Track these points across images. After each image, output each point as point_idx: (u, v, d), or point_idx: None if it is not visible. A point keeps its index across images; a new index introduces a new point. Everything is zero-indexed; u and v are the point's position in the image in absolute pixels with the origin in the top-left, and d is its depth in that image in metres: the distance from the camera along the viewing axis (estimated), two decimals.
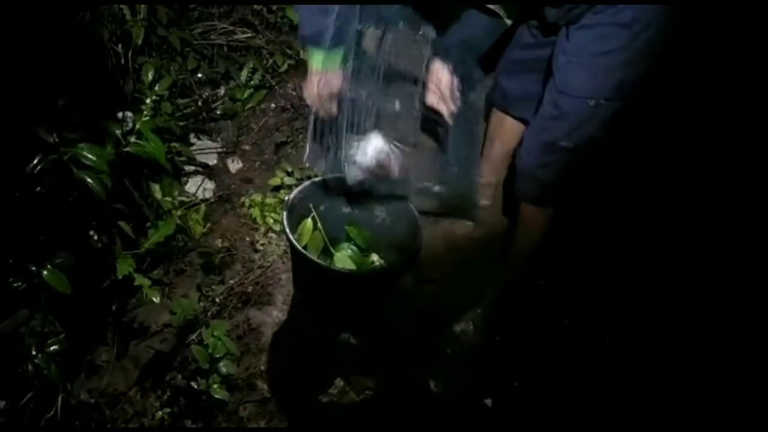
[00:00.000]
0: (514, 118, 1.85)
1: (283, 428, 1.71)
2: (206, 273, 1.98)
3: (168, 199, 1.86)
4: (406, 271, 1.82)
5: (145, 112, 1.65)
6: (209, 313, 1.87)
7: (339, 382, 1.79)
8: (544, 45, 1.60)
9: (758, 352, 1.86)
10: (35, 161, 1.29)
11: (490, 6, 1.55)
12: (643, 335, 1.95)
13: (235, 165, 2.38)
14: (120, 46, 2.09)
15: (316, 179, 1.80)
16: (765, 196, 2.11)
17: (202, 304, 1.88)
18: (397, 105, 1.78)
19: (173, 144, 2.13)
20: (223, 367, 1.66)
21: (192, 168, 2.28)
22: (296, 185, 1.92)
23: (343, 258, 1.77)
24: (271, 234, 2.14)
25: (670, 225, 2.18)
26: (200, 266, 1.99)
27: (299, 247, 1.64)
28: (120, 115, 1.85)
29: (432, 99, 1.61)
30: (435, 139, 1.80)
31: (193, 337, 1.79)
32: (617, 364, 1.89)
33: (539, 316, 2.00)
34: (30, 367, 1.42)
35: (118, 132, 1.53)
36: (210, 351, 1.65)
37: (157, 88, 1.92)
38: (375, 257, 1.85)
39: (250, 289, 1.97)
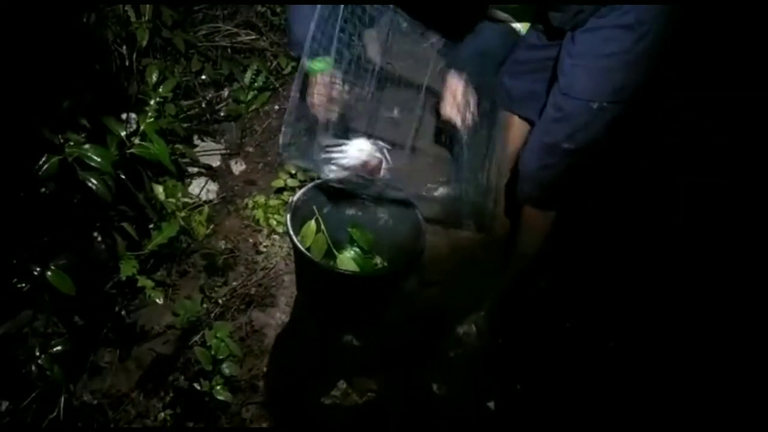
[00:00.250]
0: (520, 117, 1.85)
1: (286, 430, 1.71)
2: (209, 274, 1.98)
3: (171, 200, 1.87)
4: (409, 274, 1.82)
5: (149, 114, 1.66)
6: (212, 315, 1.87)
7: (342, 384, 1.78)
8: (549, 47, 1.61)
9: (759, 354, 1.86)
10: (40, 162, 1.29)
11: (502, 17, 1.56)
12: (646, 338, 1.95)
13: (238, 167, 2.38)
14: (124, 47, 2.09)
15: (320, 181, 1.80)
16: (765, 197, 2.10)
17: (205, 305, 1.88)
18: (395, 111, 1.79)
19: (177, 145, 2.13)
20: (226, 368, 1.66)
21: (195, 169, 2.29)
22: (299, 187, 1.92)
23: (347, 260, 1.77)
24: (274, 236, 2.14)
25: (671, 226, 2.18)
26: (203, 268, 1.99)
27: (303, 249, 1.64)
28: (124, 116, 1.85)
29: (447, 109, 1.62)
30: (450, 148, 1.80)
31: (196, 338, 1.79)
32: (620, 367, 1.88)
33: (542, 319, 1.99)
34: (33, 368, 1.42)
35: (122, 133, 1.53)
36: (213, 352, 1.65)
37: (161, 89, 1.92)
38: (378, 259, 1.86)
39: (253, 290, 1.97)
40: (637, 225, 2.19)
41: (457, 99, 1.60)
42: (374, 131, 1.76)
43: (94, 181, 1.36)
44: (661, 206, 2.22)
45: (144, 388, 1.70)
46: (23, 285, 1.42)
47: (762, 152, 2.16)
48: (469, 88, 1.59)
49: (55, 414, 1.54)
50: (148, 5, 2.13)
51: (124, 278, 1.63)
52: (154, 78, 1.95)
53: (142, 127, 1.60)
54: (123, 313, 1.79)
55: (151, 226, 1.80)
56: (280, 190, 2.22)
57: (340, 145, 1.67)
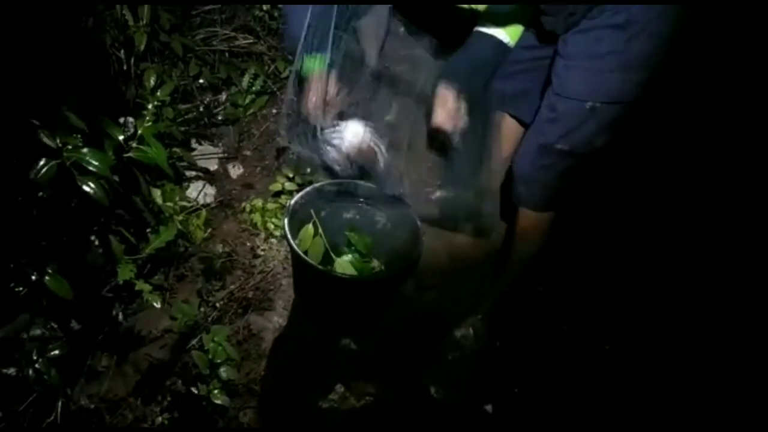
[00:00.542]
0: (513, 119, 1.86)
1: None
2: (207, 278, 1.98)
3: (169, 204, 1.87)
4: (406, 277, 1.82)
5: (147, 118, 1.65)
6: (210, 319, 1.87)
7: (339, 388, 1.78)
8: (541, 47, 1.62)
9: (758, 355, 1.86)
10: (38, 166, 1.29)
11: (492, 29, 1.57)
12: (643, 341, 1.95)
13: (236, 170, 2.38)
14: (122, 51, 2.09)
15: (318, 185, 1.80)
16: (765, 198, 2.11)
17: (202, 309, 1.88)
18: (391, 113, 1.80)
19: (175, 149, 2.13)
20: (224, 372, 1.65)
21: (193, 173, 2.29)
22: (297, 191, 1.92)
23: (344, 264, 1.77)
24: (271, 239, 2.14)
25: (670, 228, 2.18)
26: (201, 271, 1.99)
27: (300, 253, 1.64)
28: (122, 120, 1.86)
29: (439, 118, 1.64)
30: (444, 154, 1.81)
31: (194, 342, 1.79)
32: (617, 370, 1.89)
33: (539, 322, 2.00)
34: (30, 372, 1.42)
35: (120, 137, 1.53)
36: (210, 356, 1.65)
37: (159, 93, 1.93)
38: (376, 263, 1.85)
39: (250, 294, 1.97)
40: (635, 227, 2.20)
41: (447, 107, 1.61)
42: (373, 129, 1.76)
43: (92, 185, 1.35)
44: (660, 208, 2.22)
45: (141, 392, 1.70)
46: (20, 289, 1.41)
47: (762, 153, 2.17)
48: (459, 97, 1.61)
49: (52, 418, 1.53)
50: (146, 9, 2.13)
51: (121, 282, 1.63)
52: (152, 82, 1.96)
53: (139, 131, 1.59)
54: (120, 317, 1.79)
55: (149, 229, 1.80)
56: (277, 194, 2.22)
57: (337, 126, 1.68)
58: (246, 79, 2.47)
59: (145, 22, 2.13)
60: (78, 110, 1.46)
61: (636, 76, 1.45)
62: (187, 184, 2.24)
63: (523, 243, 1.84)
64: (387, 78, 1.90)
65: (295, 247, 1.64)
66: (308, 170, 2.14)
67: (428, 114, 1.68)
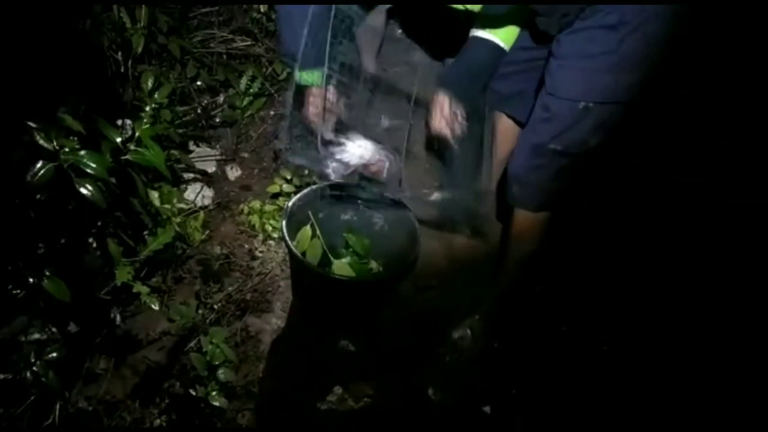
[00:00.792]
0: (509, 118, 1.86)
1: None
2: (205, 280, 1.98)
3: (167, 206, 1.87)
4: (404, 279, 1.82)
5: (144, 120, 1.66)
6: (208, 321, 1.87)
7: (337, 389, 1.78)
8: (536, 48, 1.63)
9: (757, 356, 1.87)
10: (35, 169, 1.29)
11: (488, 32, 1.58)
12: (641, 341, 1.96)
13: (234, 172, 2.38)
14: (120, 54, 2.10)
15: (315, 186, 1.80)
16: (763, 199, 2.11)
17: (200, 311, 1.88)
18: (389, 117, 1.81)
19: (172, 151, 2.13)
20: (222, 374, 1.66)
21: (191, 175, 2.29)
22: (295, 193, 1.93)
23: (342, 265, 1.78)
24: (269, 241, 2.14)
25: (667, 228, 2.19)
26: (199, 273, 1.99)
27: (298, 254, 1.64)
28: (119, 122, 1.86)
29: (436, 123, 1.66)
30: (441, 157, 1.82)
31: (192, 344, 1.79)
32: (615, 371, 1.89)
33: (537, 323, 2.00)
34: (28, 375, 1.42)
35: (117, 139, 1.53)
36: (208, 358, 1.65)
37: (156, 95, 1.93)
38: (373, 264, 1.86)
39: (248, 296, 1.97)
40: (632, 228, 2.20)
41: (444, 112, 1.63)
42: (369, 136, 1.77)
43: (89, 188, 1.36)
44: (657, 208, 2.22)
45: (139, 394, 1.70)
46: (18, 291, 1.42)
47: (759, 153, 2.17)
48: (456, 102, 1.63)
49: (50, 421, 1.53)
50: (143, 12, 2.14)
51: (119, 284, 1.63)
52: (150, 84, 1.96)
53: (137, 133, 1.60)
54: (118, 319, 1.78)
55: (147, 232, 1.80)
56: (275, 196, 2.23)
57: (341, 144, 1.69)
58: (244, 82, 2.47)
59: (142, 24, 2.13)
60: (75, 112, 1.46)
61: (629, 76, 1.46)
62: (184, 186, 2.24)
63: (520, 243, 1.84)
64: (384, 82, 1.90)
65: (293, 248, 1.64)
66: (306, 172, 2.14)
67: (426, 118, 1.69)
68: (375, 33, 1.87)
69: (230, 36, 2.59)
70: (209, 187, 2.29)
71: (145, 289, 1.67)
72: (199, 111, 2.44)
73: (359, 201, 1.82)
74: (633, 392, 1.83)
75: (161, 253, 1.81)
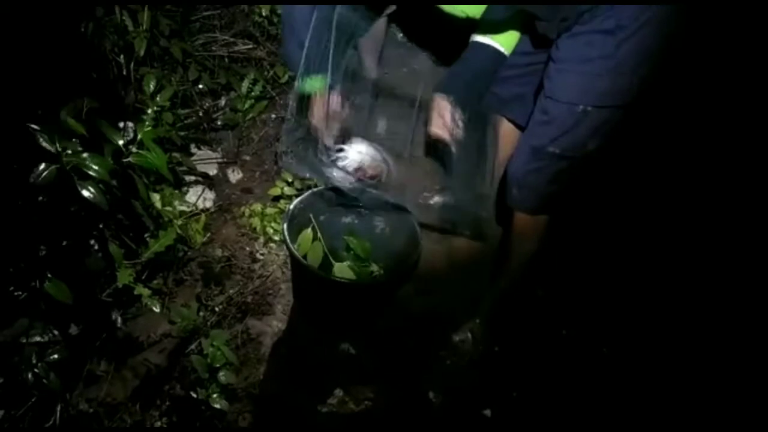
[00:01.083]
0: (510, 122, 1.87)
1: None
2: (206, 283, 1.98)
3: (168, 208, 1.87)
4: (405, 282, 1.83)
5: (146, 123, 1.66)
6: (209, 323, 1.87)
7: (338, 392, 1.78)
8: (536, 53, 1.63)
9: (757, 358, 1.86)
10: (38, 171, 1.29)
11: (489, 38, 1.59)
12: (642, 345, 1.96)
13: (235, 175, 2.39)
14: (122, 56, 2.10)
15: (316, 189, 1.81)
16: (763, 200, 2.11)
17: (201, 313, 1.88)
18: (391, 121, 1.82)
19: (174, 154, 2.14)
20: (223, 376, 1.65)
21: (192, 178, 2.29)
22: (296, 195, 1.93)
23: (343, 268, 1.78)
24: (270, 244, 2.14)
25: (667, 231, 2.18)
26: (200, 276, 1.99)
27: (299, 257, 1.65)
28: (121, 125, 1.87)
29: (436, 128, 1.66)
30: (442, 161, 1.83)
31: (193, 346, 1.79)
32: (616, 374, 1.89)
33: (538, 326, 2.00)
34: (30, 377, 1.42)
35: (119, 142, 1.53)
36: (209, 361, 1.65)
37: (158, 98, 1.93)
38: (374, 267, 1.86)
39: (249, 298, 1.98)
40: (632, 231, 2.20)
41: (444, 117, 1.64)
42: (371, 140, 1.78)
43: (91, 190, 1.36)
44: (656, 211, 2.22)
45: (140, 396, 1.70)
46: (20, 293, 1.42)
47: (759, 154, 2.17)
48: (456, 107, 1.63)
49: (51, 423, 1.54)
50: (145, 15, 2.14)
51: (120, 286, 1.63)
52: (152, 87, 1.96)
53: (139, 136, 1.60)
54: (119, 321, 1.79)
55: (148, 234, 1.80)
56: (276, 198, 2.23)
57: (340, 150, 1.70)
58: (245, 84, 2.47)
59: (144, 27, 2.14)
60: (77, 115, 1.47)
61: (626, 80, 1.46)
62: (186, 188, 2.24)
63: (520, 246, 1.84)
64: (386, 87, 1.91)
65: (294, 251, 1.64)
66: (307, 175, 2.14)
67: (426, 123, 1.70)
68: (376, 37, 1.88)
69: (232, 39, 2.59)
70: (211, 189, 2.30)
71: (146, 292, 1.67)
72: (200, 114, 2.45)
73: (360, 204, 1.82)
74: (634, 395, 1.83)
75: (162, 256, 1.81)
